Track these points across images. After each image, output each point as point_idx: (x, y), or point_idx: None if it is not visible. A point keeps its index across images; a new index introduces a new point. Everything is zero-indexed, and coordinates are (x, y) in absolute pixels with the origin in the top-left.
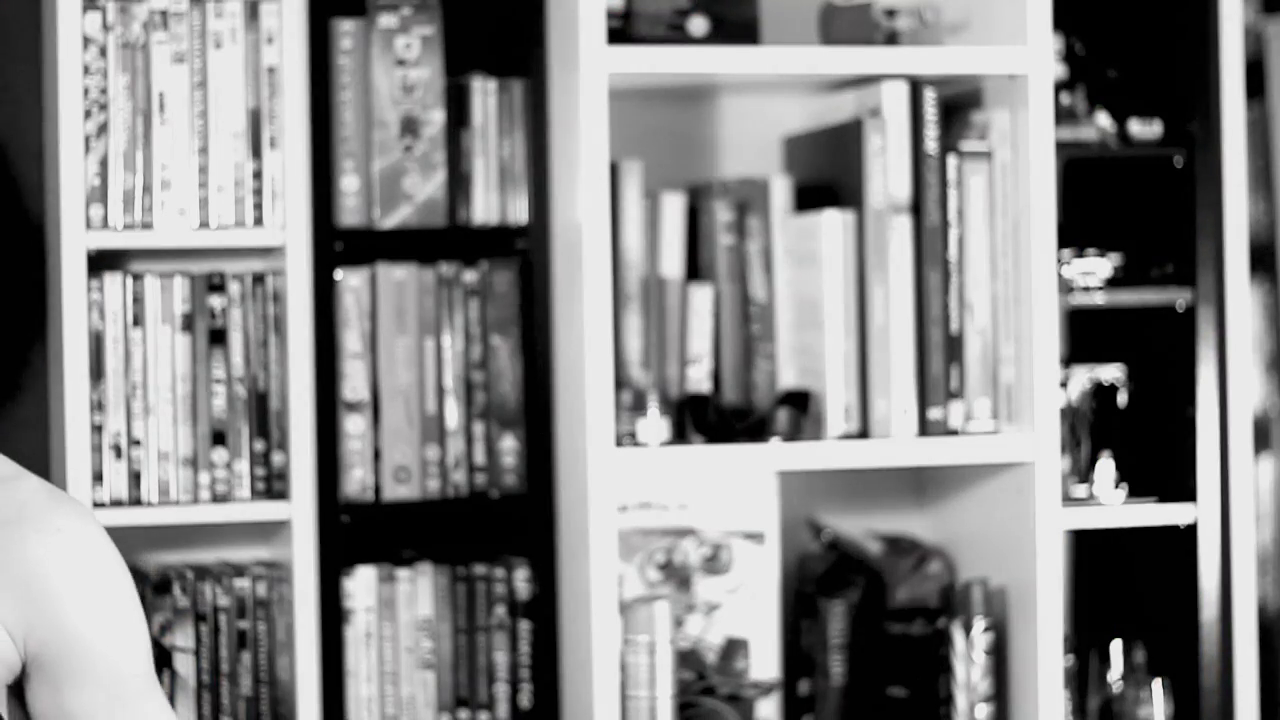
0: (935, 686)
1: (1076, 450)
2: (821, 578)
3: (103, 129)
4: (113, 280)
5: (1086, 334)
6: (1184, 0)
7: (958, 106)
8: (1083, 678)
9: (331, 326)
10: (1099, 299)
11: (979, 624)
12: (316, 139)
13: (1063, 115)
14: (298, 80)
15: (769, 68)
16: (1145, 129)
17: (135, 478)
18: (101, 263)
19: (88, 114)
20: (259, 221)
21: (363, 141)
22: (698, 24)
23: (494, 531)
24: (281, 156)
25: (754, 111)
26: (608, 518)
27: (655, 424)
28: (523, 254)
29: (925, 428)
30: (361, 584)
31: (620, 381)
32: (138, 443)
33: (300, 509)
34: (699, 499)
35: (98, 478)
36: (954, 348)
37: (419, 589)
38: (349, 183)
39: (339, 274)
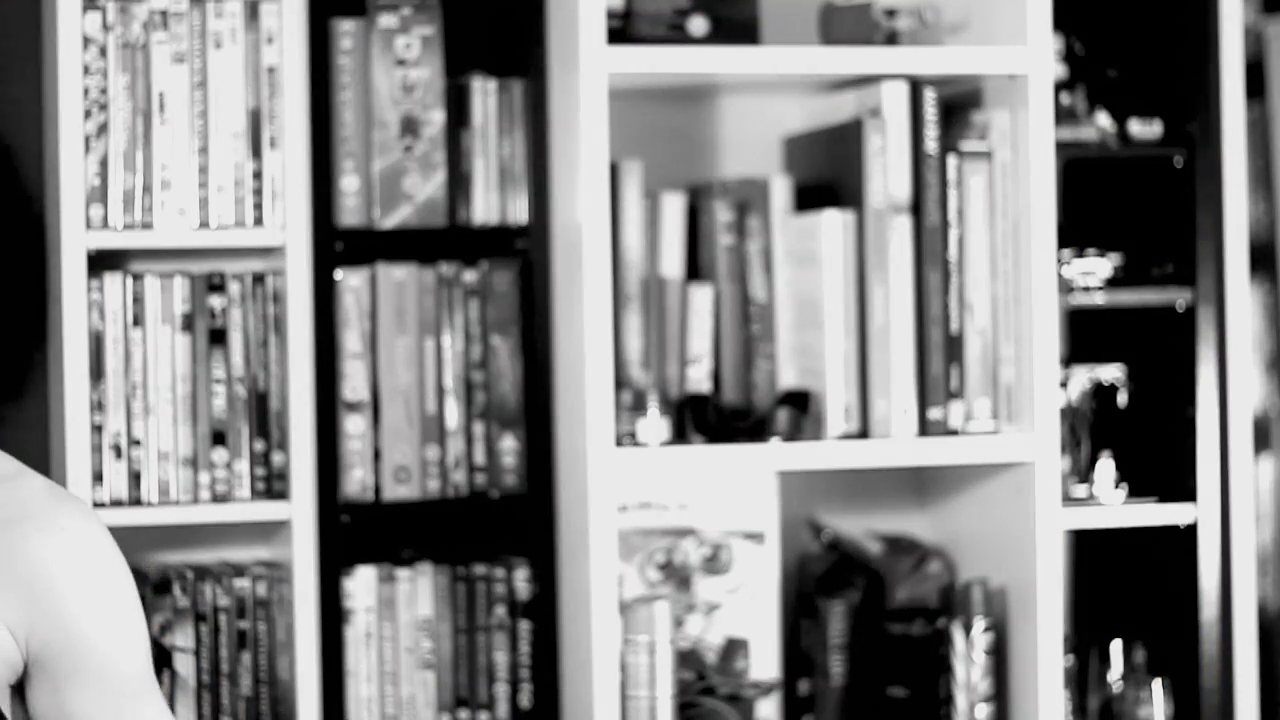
0: (935, 686)
1: (1076, 450)
2: (821, 578)
3: (103, 129)
4: (113, 280)
5: (1086, 334)
6: (1184, 0)
7: (958, 106)
8: (1083, 678)
9: (331, 326)
10: (1099, 299)
11: (979, 624)
12: (316, 139)
13: (1063, 115)
14: (298, 80)
15: (769, 68)
16: (1145, 129)
17: (135, 478)
18: (101, 263)
19: (88, 114)
20: (259, 221)
21: (363, 141)
22: (698, 24)
23: (494, 531)
24: (281, 156)
25: (754, 111)
26: (608, 518)
27: (655, 424)
28: (523, 254)
29: (925, 428)
30: (361, 584)
31: (620, 381)
32: (138, 443)
33: (300, 509)
34: (699, 499)
35: (98, 478)
36: (954, 348)
37: (419, 589)
38: (349, 183)
39: (339, 274)
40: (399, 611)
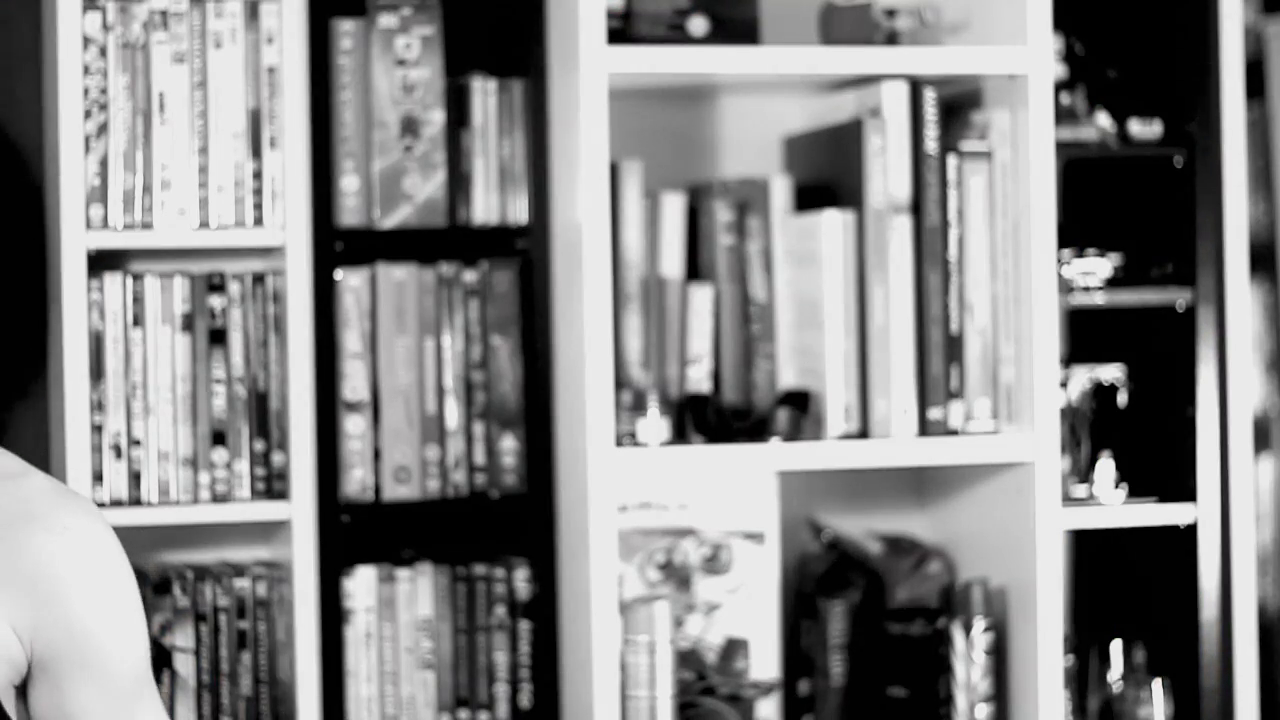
0: (935, 686)
1: (1076, 450)
2: (821, 578)
3: (103, 129)
4: (113, 280)
5: (1086, 334)
6: (1184, 0)
7: (958, 106)
8: (1083, 678)
9: (331, 326)
10: (1099, 299)
11: (979, 624)
12: (316, 139)
13: (1063, 115)
14: (298, 80)
15: (769, 68)
16: (1145, 129)
17: (135, 478)
18: (101, 263)
19: (88, 114)
20: (259, 221)
21: (363, 141)
22: (698, 24)
23: (494, 531)
24: (281, 156)
25: (754, 111)
26: (608, 518)
27: (655, 424)
28: (523, 254)
29: (925, 428)
30: (361, 584)
31: (620, 381)
32: (138, 443)
33: (300, 509)
34: (699, 499)
35: (98, 478)
36: (954, 348)
37: (419, 589)
38: (349, 183)
39: (339, 274)
40: (399, 611)
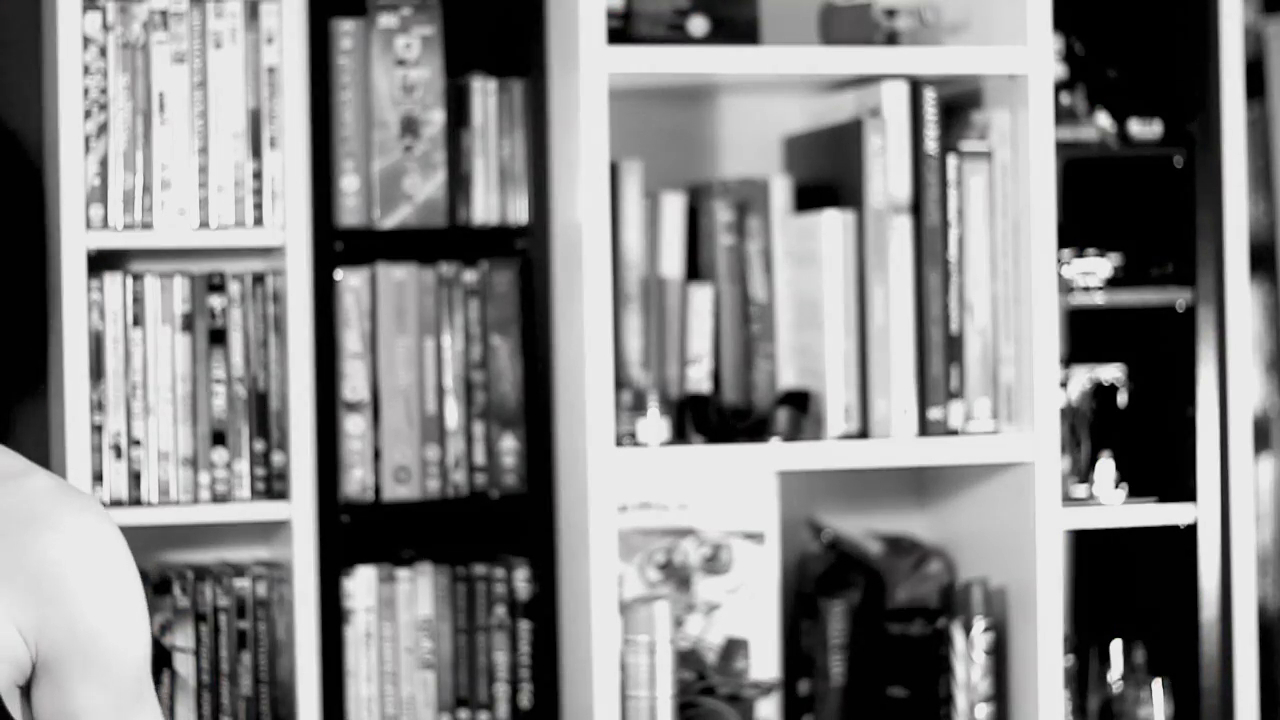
0: (935, 686)
1: (1076, 450)
2: (821, 578)
3: (103, 129)
4: (113, 280)
5: (1086, 334)
6: (1184, 0)
7: (958, 106)
8: (1083, 678)
9: (331, 326)
10: (1099, 299)
11: (979, 624)
12: (316, 139)
13: (1063, 115)
14: (298, 80)
15: (769, 68)
16: (1145, 129)
17: (135, 478)
18: (101, 263)
19: (88, 114)
20: (259, 221)
21: (363, 141)
22: (698, 24)
23: (494, 531)
24: (281, 156)
25: (754, 111)
26: (608, 518)
27: (655, 424)
28: (523, 254)
29: (925, 428)
30: (361, 584)
31: (620, 381)
32: (138, 443)
33: (300, 509)
34: (699, 499)
35: (98, 478)
36: (954, 348)
37: (419, 589)
38: (349, 183)
39: (339, 274)
40: (399, 611)
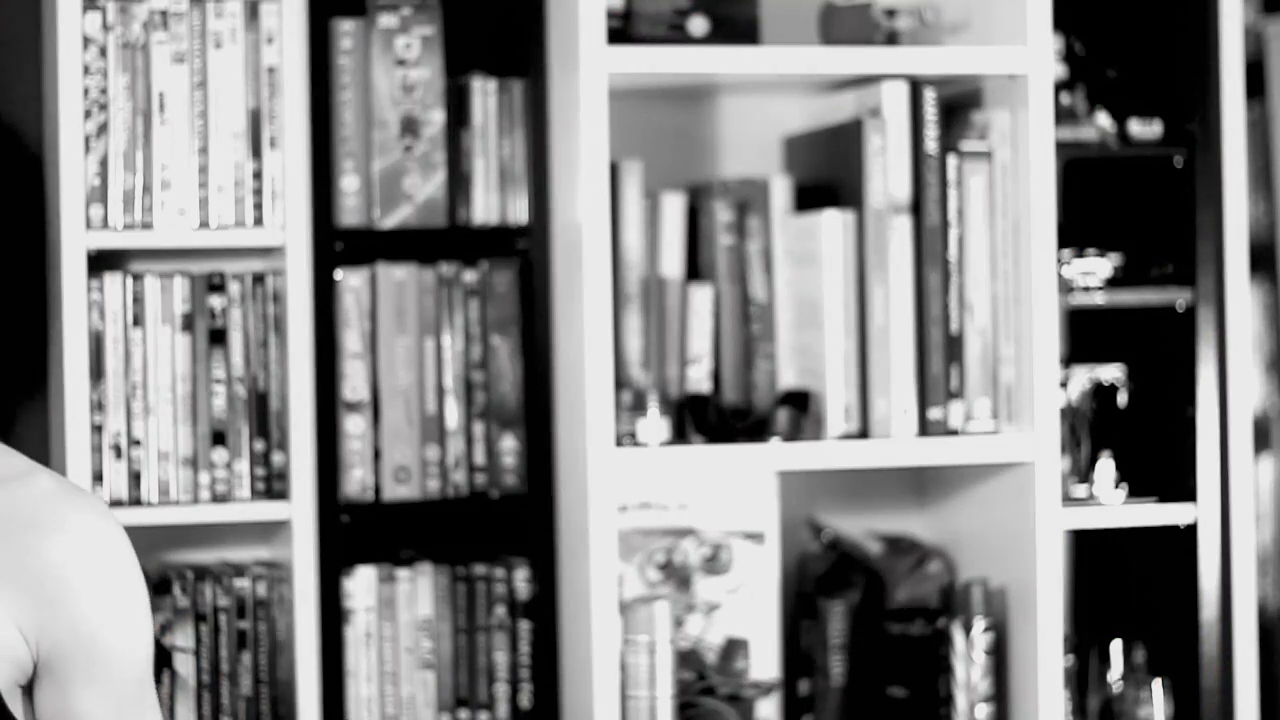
0: (935, 686)
1: (1076, 450)
2: (821, 578)
3: (103, 129)
4: (113, 280)
5: (1086, 334)
6: (1184, 0)
7: (958, 106)
8: (1083, 678)
9: (331, 326)
10: (1099, 299)
11: (979, 624)
12: (316, 139)
13: (1063, 115)
14: (298, 80)
15: (769, 68)
16: (1145, 129)
17: (135, 478)
18: (101, 263)
19: (88, 114)
20: (259, 221)
21: (363, 141)
22: (698, 24)
23: (494, 531)
24: (281, 156)
25: (754, 111)
26: (608, 518)
27: (655, 424)
28: (523, 254)
29: (925, 428)
30: (361, 584)
31: (620, 381)
32: (138, 443)
33: (300, 509)
34: (699, 499)
35: (98, 478)
36: (954, 348)
37: (419, 589)
38: (349, 183)
39: (339, 274)
40: (399, 611)
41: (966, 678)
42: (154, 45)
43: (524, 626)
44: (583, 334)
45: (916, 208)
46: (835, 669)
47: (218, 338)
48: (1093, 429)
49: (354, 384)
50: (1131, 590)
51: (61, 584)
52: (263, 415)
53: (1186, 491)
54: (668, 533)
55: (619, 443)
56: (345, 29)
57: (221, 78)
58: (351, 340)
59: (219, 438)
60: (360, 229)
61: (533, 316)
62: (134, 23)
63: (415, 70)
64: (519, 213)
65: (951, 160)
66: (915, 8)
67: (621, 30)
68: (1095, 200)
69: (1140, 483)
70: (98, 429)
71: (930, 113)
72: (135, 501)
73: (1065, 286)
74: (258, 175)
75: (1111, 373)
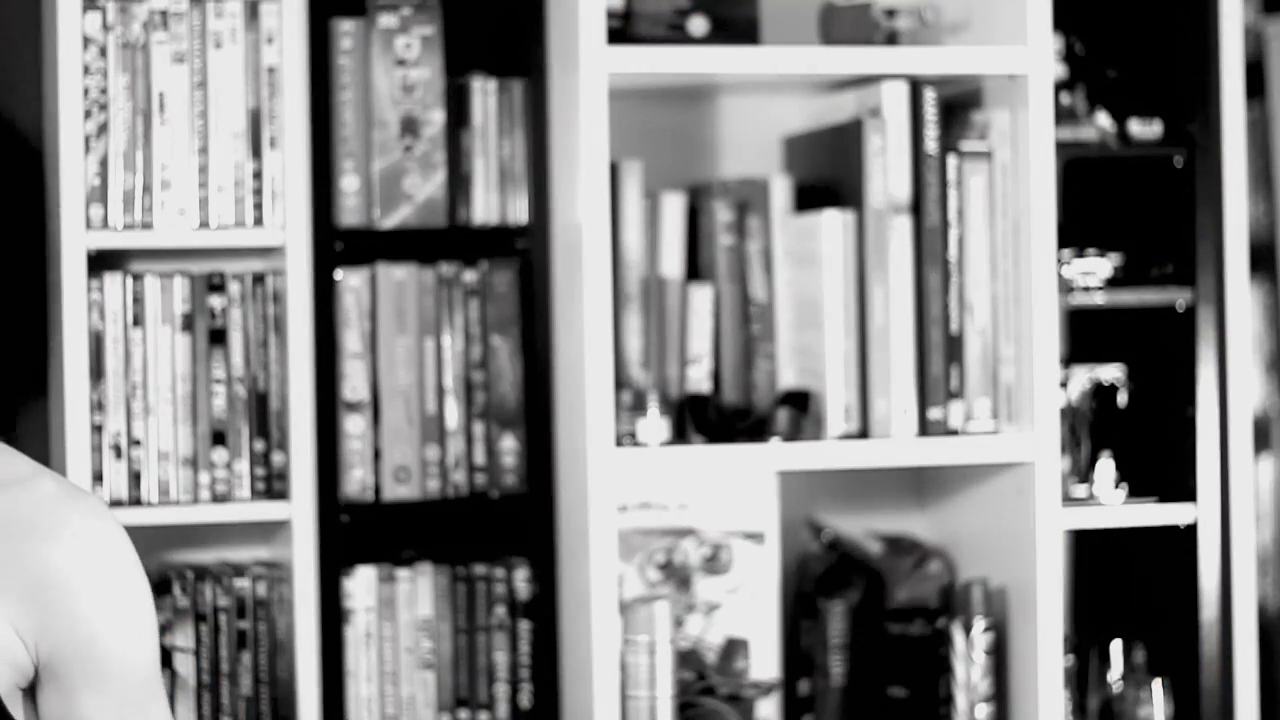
0: (935, 686)
1: (1076, 450)
2: (821, 578)
3: (103, 129)
4: (113, 280)
5: (1086, 334)
6: (1184, 0)
7: (958, 106)
8: (1083, 678)
9: (331, 326)
10: (1099, 299)
11: (979, 624)
12: (316, 139)
13: (1063, 115)
14: (298, 80)
15: (769, 68)
16: (1145, 129)
17: (135, 478)
18: (101, 263)
19: (88, 114)
20: (259, 221)
21: (363, 141)
22: (698, 24)
23: (494, 531)
24: (281, 156)
25: (754, 111)
26: (608, 518)
27: (655, 424)
28: (523, 254)
29: (925, 428)
30: (361, 584)
31: (620, 381)
32: (138, 443)
33: (300, 509)
34: (699, 499)
35: (98, 478)
36: (954, 348)
37: (419, 589)
38: (349, 183)
39: (339, 274)
40: (399, 611)
41: (966, 678)
42: (154, 45)
43: (524, 626)
44: (583, 334)
45: (916, 208)
46: (835, 669)
47: (218, 338)
48: (1093, 429)
49: (354, 384)
50: (1131, 590)
51: (62, 588)
52: (263, 415)
53: (1186, 491)
54: (668, 533)
55: (619, 443)
56: (345, 29)
57: (221, 78)
58: (351, 340)
59: (219, 438)
60: (360, 229)
61: (533, 316)
62: (134, 23)
63: (415, 70)
64: (519, 213)
65: (951, 160)
66: (915, 8)
67: (621, 30)
68: (1095, 200)
69: (1140, 483)
70: (98, 429)
71: (930, 113)
72: (135, 502)
73: (1065, 286)
74: (258, 175)
75: (1111, 373)
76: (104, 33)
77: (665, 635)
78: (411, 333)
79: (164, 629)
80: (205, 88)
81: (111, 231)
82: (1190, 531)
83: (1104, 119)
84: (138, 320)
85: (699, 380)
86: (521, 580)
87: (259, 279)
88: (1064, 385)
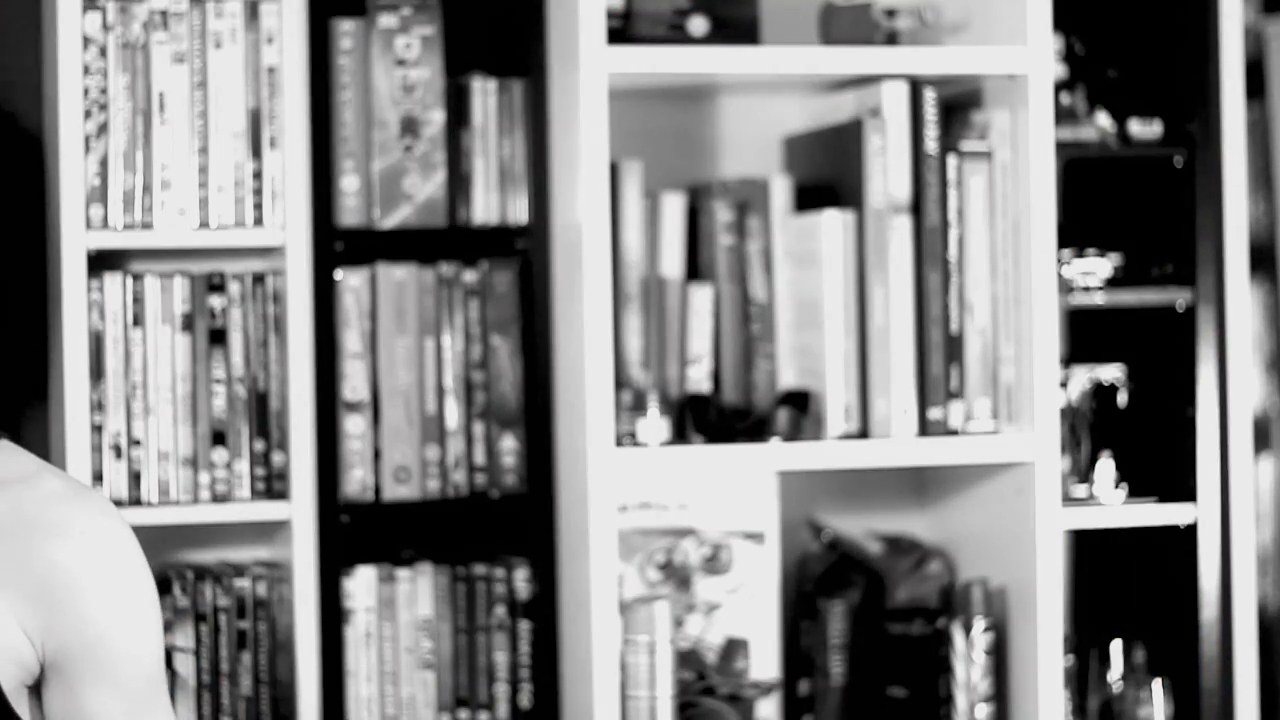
0: (935, 686)
1: (1076, 450)
2: (821, 578)
3: (103, 129)
4: (113, 280)
5: (1086, 334)
6: (1184, 0)
7: (958, 106)
8: (1083, 678)
9: (331, 326)
10: (1099, 299)
11: (979, 624)
12: (316, 139)
13: (1063, 115)
14: (298, 80)
15: (769, 68)
16: (1145, 129)
17: (135, 478)
18: (101, 263)
19: (88, 114)
20: (259, 221)
21: (363, 141)
22: (698, 24)
23: (494, 531)
24: (281, 156)
25: (754, 111)
26: (608, 518)
27: (655, 424)
28: (523, 254)
29: (925, 428)
30: (361, 584)
31: (620, 381)
32: (138, 443)
33: (300, 509)
34: (699, 499)
35: (98, 478)
36: (954, 348)
37: (419, 589)
38: (349, 183)
39: (339, 274)
40: (399, 611)
41: (966, 678)
42: (154, 45)
43: (524, 626)
44: (583, 334)
45: (916, 208)
46: (835, 669)
47: (218, 338)
48: (1093, 429)
49: (354, 384)
50: (1131, 590)
51: (67, 586)
52: (263, 415)
53: (1186, 491)
54: (668, 533)
55: (619, 443)
56: (345, 29)
57: (221, 78)
58: (351, 340)
59: (219, 438)
60: (360, 229)
61: (533, 316)
62: (134, 23)
63: (415, 70)
64: (519, 213)
65: (951, 160)
66: (915, 8)
67: (621, 30)
68: (1095, 200)
69: (1140, 483)
70: (98, 429)
71: (930, 113)
72: (135, 501)
73: (1065, 286)
74: (258, 175)
75: (1111, 373)
76: (104, 33)
77: (665, 635)
78: (411, 333)
79: (164, 629)
80: (205, 88)
81: (111, 231)
82: (1190, 531)
83: (1104, 119)
84: (138, 320)
85: (699, 380)
86: (521, 580)
87: (259, 279)
88: (1064, 385)
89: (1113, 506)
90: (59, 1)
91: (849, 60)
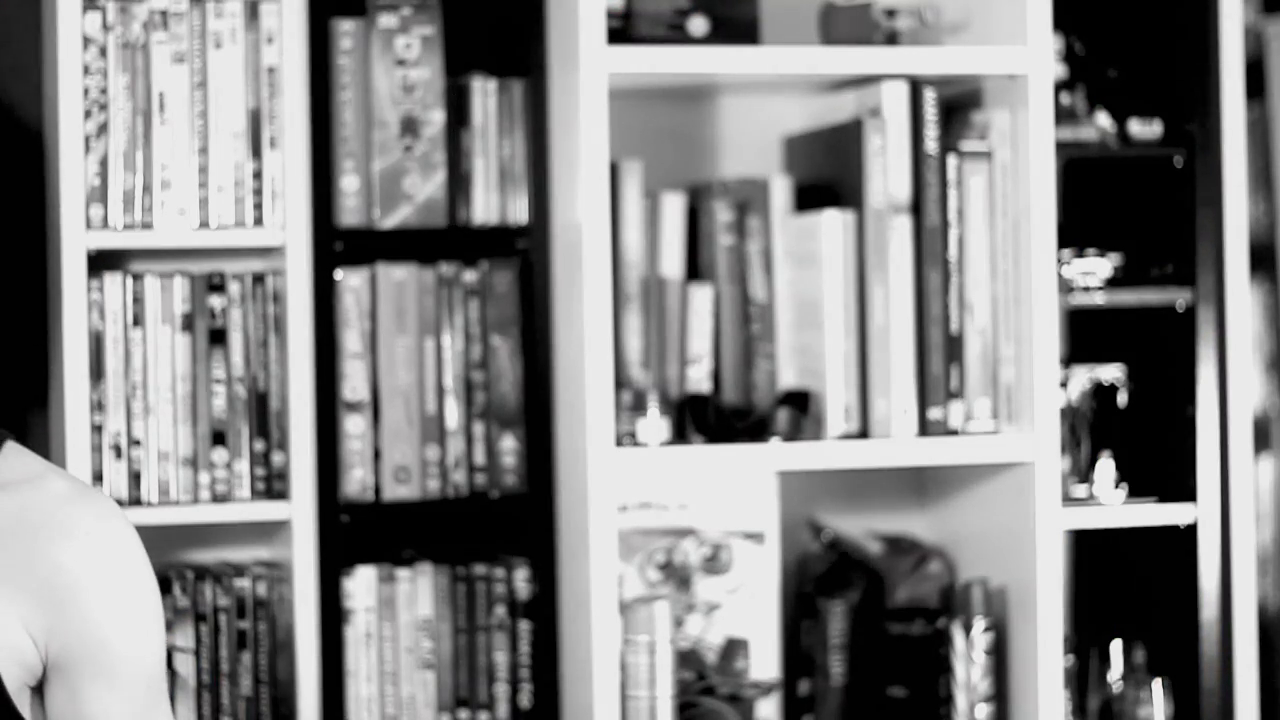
0: (935, 686)
1: (1076, 450)
2: (821, 578)
3: (103, 129)
4: (113, 280)
5: (1086, 334)
6: (1184, 0)
7: (958, 106)
8: (1083, 678)
9: (331, 326)
10: (1099, 299)
11: (979, 624)
12: (316, 139)
13: (1063, 115)
14: (298, 80)
15: (769, 68)
16: (1145, 129)
17: (135, 478)
18: (101, 263)
19: (88, 114)
20: (259, 221)
21: (363, 141)
22: (698, 24)
23: (494, 531)
24: (281, 156)
25: (754, 111)
26: (608, 518)
27: (655, 424)
28: (523, 254)
29: (925, 428)
30: (361, 584)
31: (620, 381)
32: (138, 443)
33: (300, 509)
34: (699, 499)
35: (98, 478)
36: (954, 348)
37: (419, 589)
38: (349, 183)
39: (339, 274)
40: (399, 611)
41: (966, 678)
42: (154, 45)
43: (524, 626)
44: (583, 334)
45: (916, 208)
46: (835, 669)
47: (218, 338)
48: (1093, 429)
49: (354, 384)
50: (1131, 590)
51: (71, 587)
52: (263, 415)
53: (1186, 491)
54: (668, 533)
55: (619, 443)
56: (345, 29)
57: (221, 78)
58: (351, 340)
59: (219, 438)
60: (360, 229)
61: (533, 316)
62: (134, 23)
63: (415, 70)
64: (519, 213)
65: (951, 160)
66: (915, 8)
67: (621, 30)
68: (1095, 200)
69: (1140, 483)
70: (98, 429)
71: (930, 113)
72: (135, 501)
73: (1065, 286)
74: (258, 175)
75: (1111, 373)
76: (104, 33)
77: (665, 635)
78: (411, 333)
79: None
80: (205, 88)
81: (111, 231)
82: (1190, 531)
83: (1104, 119)
84: (138, 320)
85: (699, 380)
86: (521, 580)
87: (259, 279)
88: (1064, 385)
89: (1113, 506)
90: (59, 1)
91: (849, 60)
